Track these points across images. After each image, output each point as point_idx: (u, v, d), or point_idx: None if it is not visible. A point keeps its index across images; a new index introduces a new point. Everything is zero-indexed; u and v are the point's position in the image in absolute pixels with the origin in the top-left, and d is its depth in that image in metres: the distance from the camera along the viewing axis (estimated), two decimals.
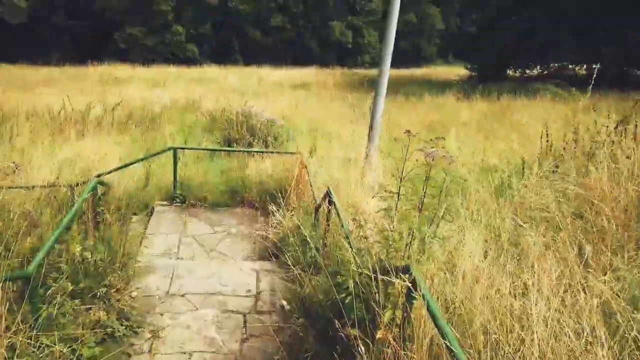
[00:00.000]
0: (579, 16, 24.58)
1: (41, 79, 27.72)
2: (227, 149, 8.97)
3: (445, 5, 55.85)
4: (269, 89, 26.09)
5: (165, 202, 7.25)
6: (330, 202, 4.78)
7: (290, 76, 33.07)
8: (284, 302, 4.57)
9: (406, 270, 2.62)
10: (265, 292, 4.92)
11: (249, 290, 4.97)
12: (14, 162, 5.62)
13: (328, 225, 4.91)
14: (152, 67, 35.65)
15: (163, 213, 7.02)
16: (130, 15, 43.06)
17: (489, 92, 22.04)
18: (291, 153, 7.23)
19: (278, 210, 6.29)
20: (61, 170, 8.50)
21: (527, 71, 31.63)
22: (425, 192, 3.07)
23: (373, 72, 42.11)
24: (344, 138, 11.51)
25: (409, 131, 3.05)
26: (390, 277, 2.71)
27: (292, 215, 6.03)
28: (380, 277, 2.75)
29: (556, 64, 30.16)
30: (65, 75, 29.71)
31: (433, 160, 2.86)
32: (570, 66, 30.25)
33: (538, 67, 31.33)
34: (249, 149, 8.29)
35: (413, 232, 2.97)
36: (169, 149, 7.09)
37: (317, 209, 5.52)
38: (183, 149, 7.85)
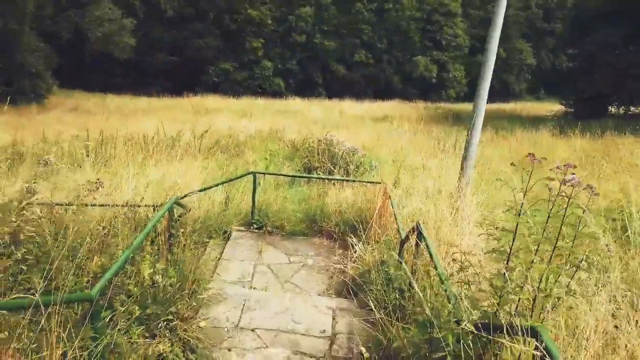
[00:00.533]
0: None
1: (141, 108, 29.67)
2: (307, 175, 8.64)
3: (536, 39, 53.59)
4: (350, 121, 25.96)
5: (242, 228, 6.99)
6: (420, 237, 4.19)
7: (372, 109, 32.88)
8: (363, 349, 3.99)
9: (533, 333, 1.98)
10: (342, 335, 4.37)
11: (324, 331, 4.44)
12: (98, 179, 5.58)
13: (416, 263, 4.31)
14: (241, 99, 37.12)
15: (240, 239, 6.74)
16: (223, 51, 45.50)
17: (589, 128, 20.35)
18: (374, 183, 6.72)
19: (358, 243, 5.77)
20: (147, 191, 8.62)
21: (632, 108, 29.04)
22: (545, 230, 2.43)
23: (457, 106, 40.96)
24: (429, 170, 10.85)
25: (532, 155, 2.44)
26: (506, 339, 2.08)
27: (374, 249, 5.48)
28: (493, 337, 2.13)
29: None
30: (162, 105, 31.60)
31: (574, 187, 2.22)
32: None
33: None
34: (329, 177, 7.88)
35: (539, 284, 2.32)
36: (249, 173, 6.87)
37: (402, 243, 4.93)
38: (263, 174, 7.62)
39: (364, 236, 5.87)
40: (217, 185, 6.96)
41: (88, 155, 12.15)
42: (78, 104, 29.86)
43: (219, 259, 6.17)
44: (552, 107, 35.07)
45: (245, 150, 15.38)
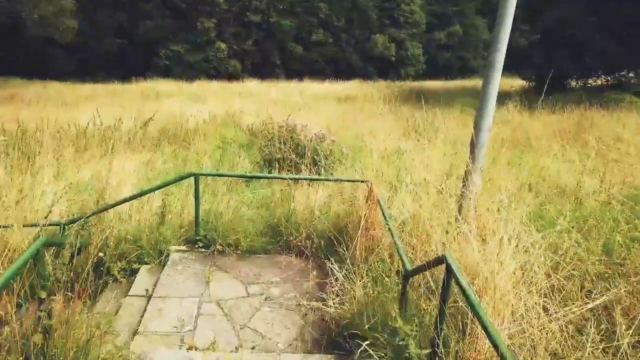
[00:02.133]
0: None
1: (84, 95, 26.86)
2: (266, 175, 6.88)
3: (492, 16, 52.89)
4: (311, 102, 24.22)
5: (184, 247, 5.25)
6: (449, 275, 2.62)
7: (333, 90, 31.16)
8: None
9: None
10: None
11: None
12: None
13: (442, 315, 2.76)
14: (194, 83, 34.55)
15: (180, 263, 5.01)
16: (173, 32, 42.48)
17: (553, 103, 19.48)
18: (356, 181, 5.10)
19: (340, 267, 4.19)
20: (62, 198, 6.72)
21: (590, 81, 28.60)
22: None
23: (419, 84, 39.69)
24: (408, 156, 9.36)
25: None
26: None
27: (363, 277, 3.90)
28: None
29: (623, 73, 27.03)
30: (108, 91, 28.82)
31: None
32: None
33: (603, 76, 28.28)
34: (296, 176, 6.11)
35: None
36: (189, 175, 5.10)
37: (407, 277, 3.37)
38: (207, 175, 5.84)
39: (347, 256, 4.28)
40: (147, 192, 5.16)
41: (2, 153, 10.02)
42: (14, 93, 26.75)
43: (150, 296, 4.45)
44: (512, 82, 34.41)
45: (197, 139, 13.48)
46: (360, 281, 3.89)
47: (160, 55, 42.09)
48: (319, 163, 7.71)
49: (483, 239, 4.14)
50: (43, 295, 2.78)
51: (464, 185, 4.76)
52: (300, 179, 5.71)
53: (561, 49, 24.51)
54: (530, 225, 3.96)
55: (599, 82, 28.85)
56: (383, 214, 4.34)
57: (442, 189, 4.82)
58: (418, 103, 23.48)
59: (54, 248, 4.57)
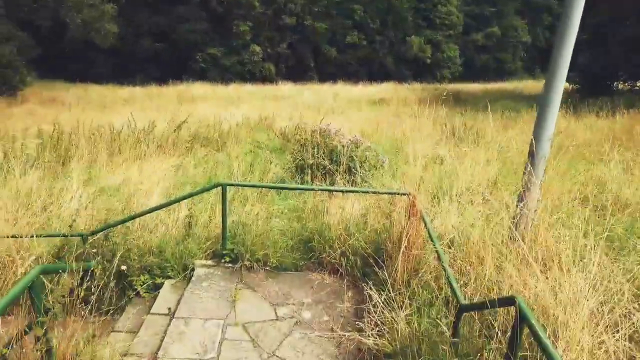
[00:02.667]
0: None
1: (123, 98, 27.29)
2: (297, 186, 6.45)
3: (532, 16, 51.18)
4: (345, 105, 23.78)
5: (210, 262, 4.89)
6: (522, 322, 2.14)
7: (366, 92, 30.62)
8: None
9: None
10: None
11: None
12: None
13: None
14: (229, 86, 34.67)
15: (205, 279, 4.65)
16: (210, 36, 42.87)
17: (601, 107, 18.43)
18: (395, 193, 4.63)
19: (380, 290, 3.74)
20: (91, 204, 6.52)
21: (639, 84, 27.08)
22: None
23: (455, 86, 38.50)
24: (449, 164, 8.80)
25: None
26: None
27: (407, 307, 3.44)
28: None
29: None
30: (146, 94, 29.20)
31: None
32: None
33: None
34: (329, 188, 5.64)
35: None
36: (216, 185, 4.75)
37: (460, 311, 2.89)
38: (235, 185, 5.45)
39: (387, 279, 3.82)
40: (168, 204, 4.84)
41: (37, 156, 10.02)
42: (56, 95, 27.42)
43: (173, 314, 4.11)
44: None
45: (230, 143, 13.27)
46: (402, 311, 3.43)
47: (197, 58, 42.54)
48: (354, 171, 7.26)
49: (545, 263, 3.62)
50: (39, 332, 2.45)
51: (520, 200, 4.23)
52: (334, 190, 5.26)
53: (611, 47, 23.17)
54: (596, 245, 3.41)
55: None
56: (428, 232, 3.86)
57: (491, 201, 4.31)
58: (456, 106, 22.72)
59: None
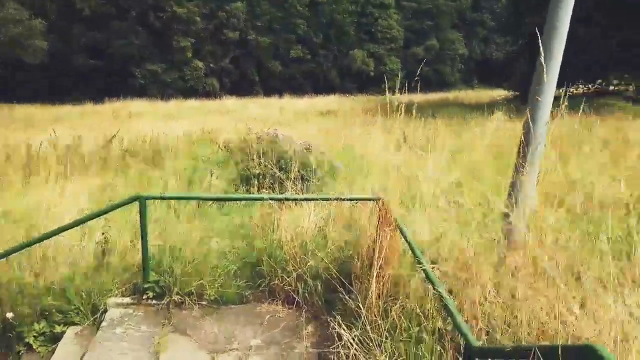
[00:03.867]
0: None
1: (52, 117, 25.09)
2: (241, 196, 5.40)
3: (467, 30, 52.85)
4: (292, 118, 22.94)
5: (127, 300, 3.77)
6: None
7: (313, 104, 29.96)
8: None
9: None
10: None
11: None
12: None
13: None
14: (170, 102, 32.99)
15: (120, 324, 3.54)
16: (149, 51, 40.99)
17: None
18: (362, 199, 3.72)
19: (350, 323, 2.81)
20: None
21: (572, 90, 28.15)
22: None
23: (400, 97, 38.45)
24: (409, 169, 8.07)
25: None
26: None
27: (389, 346, 2.52)
28: None
29: (601, 81, 26.61)
30: (79, 112, 27.11)
31: None
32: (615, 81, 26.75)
33: (583, 84, 27.86)
34: (281, 196, 4.51)
35: None
36: (132, 199, 3.65)
37: (473, 357, 2.00)
38: (157, 198, 4.26)
39: (358, 309, 2.90)
40: (73, 225, 3.69)
41: None
42: None
43: None
44: (491, 93, 33.87)
45: (168, 159, 12.02)
46: (382, 353, 2.50)
47: (136, 74, 40.48)
48: (307, 179, 6.34)
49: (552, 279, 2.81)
50: None
51: (510, 199, 3.46)
52: (287, 199, 4.22)
53: None
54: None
55: (580, 90, 28.41)
56: (409, 244, 2.98)
57: (465, 205, 3.52)
58: (404, 115, 22.44)
59: None
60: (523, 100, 25.31)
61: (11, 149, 10.97)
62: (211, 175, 7.10)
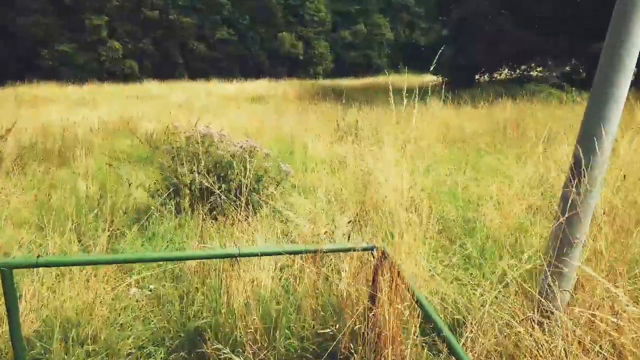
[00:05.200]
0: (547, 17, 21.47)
1: None
2: (157, 255, 3.67)
3: (393, 15, 52.83)
4: (221, 103, 21.20)
5: None
6: None
7: (243, 89, 28.18)
8: None
9: None
10: None
11: None
12: None
13: None
14: (84, 86, 29.64)
15: None
16: (59, 30, 36.69)
17: (473, 98, 18.59)
18: (346, 250, 2.57)
19: None
20: None
21: (496, 75, 28.78)
22: None
23: (332, 82, 37.76)
24: (359, 167, 7.02)
25: None
26: None
27: None
28: None
29: (524, 66, 27.34)
30: None
31: None
32: (539, 68, 27.55)
33: (506, 70, 28.51)
34: (233, 252, 2.79)
35: None
36: None
37: None
38: (31, 266, 2.69)
39: None
40: None
41: None
42: None
43: None
44: (421, 78, 33.88)
45: (79, 154, 10.12)
46: None
47: (44, 56, 36.13)
48: (253, 192, 5.09)
49: None
50: None
51: (554, 241, 2.47)
52: (240, 255, 2.84)
53: (476, 42, 23.83)
54: None
55: (504, 75, 29.06)
56: (436, 324, 1.88)
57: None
58: (337, 101, 21.41)
59: None
60: (453, 86, 25.30)
61: None
62: (129, 186, 5.60)
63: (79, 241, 4.30)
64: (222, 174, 5.23)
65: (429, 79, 31.91)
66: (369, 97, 21.76)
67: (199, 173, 5.41)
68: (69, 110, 17.97)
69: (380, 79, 37.25)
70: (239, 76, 36.06)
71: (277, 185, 5.50)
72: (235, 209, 5.06)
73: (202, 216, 5.11)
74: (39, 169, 8.79)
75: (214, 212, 5.23)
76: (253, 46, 43.86)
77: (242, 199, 5.18)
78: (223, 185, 5.14)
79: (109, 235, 4.30)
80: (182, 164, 5.57)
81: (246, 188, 5.24)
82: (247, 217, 4.92)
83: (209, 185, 5.16)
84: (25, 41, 35.77)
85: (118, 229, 4.96)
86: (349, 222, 3.69)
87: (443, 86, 25.95)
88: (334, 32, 48.84)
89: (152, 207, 5.12)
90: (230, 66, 41.68)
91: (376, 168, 6.71)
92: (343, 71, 46.29)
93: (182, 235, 4.61)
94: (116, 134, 13.14)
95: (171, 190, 5.46)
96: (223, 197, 4.99)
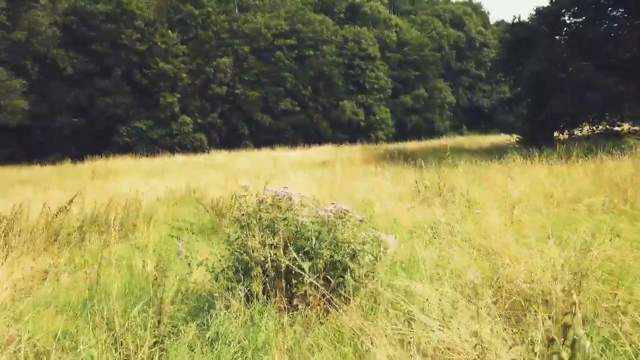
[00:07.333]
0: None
1: (23, 178, 22.26)
2: None
3: (452, 78, 52.17)
4: (287, 170, 20.41)
5: None
6: None
7: (307, 155, 27.68)
8: None
9: None
10: None
11: None
12: None
13: None
14: (155, 158, 30.44)
15: None
16: (135, 109, 38.87)
17: (559, 155, 16.36)
18: None
19: None
20: None
21: (576, 132, 26.32)
22: None
23: (395, 146, 36.57)
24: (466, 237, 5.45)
25: None
26: None
27: None
28: None
29: (611, 119, 24.77)
30: (55, 172, 24.34)
31: None
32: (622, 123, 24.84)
33: (587, 126, 25.98)
34: None
35: None
36: None
37: None
38: None
39: None
40: None
41: None
42: None
43: None
44: (489, 138, 32.04)
45: (140, 225, 9.30)
46: None
47: (121, 132, 38.13)
48: (345, 273, 3.71)
49: None
50: None
51: None
52: None
53: (553, 94, 21.94)
54: None
55: (585, 131, 26.58)
56: None
57: None
58: (407, 163, 19.99)
59: None
60: (529, 144, 23.24)
61: None
62: (189, 266, 4.38)
63: (115, 350, 3.04)
64: (305, 248, 3.89)
65: (499, 139, 30.03)
66: (439, 159, 20.02)
67: (274, 247, 4.11)
68: (140, 181, 17.80)
69: (445, 141, 35.71)
70: (303, 144, 35.99)
71: (376, 261, 4.07)
72: (322, 296, 3.69)
73: (280, 305, 3.77)
74: (97, 241, 7.95)
75: (295, 301, 3.85)
76: (315, 115, 44.25)
77: (332, 281, 3.80)
78: (306, 264, 3.78)
79: (155, 340, 3.02)
80: (254, 235, 4.30)
81: (340, 266, 3.86)
82: (339, 306, 3.52)
83: (288, 264, 3.84)
84: (104, 120, 38.07)
85: (172, 323, 3.68)
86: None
87: (519, 145, 23.94)
88: (394, 97, 48.62)
89: (216, 294, 3.84)
90: (294, 134, 42.01)
91: (497, 239, 5.14)
92: (404, 135, 45.41)
93: (256, 338, 3.24)
94: (182, 202, 12.44)
95: (240, 269, 4.17)
96: (308, 278, 3.64)
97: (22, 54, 36.37)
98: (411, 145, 34.13)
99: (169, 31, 40.55)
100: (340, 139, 40.58)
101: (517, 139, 25.39)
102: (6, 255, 7.28)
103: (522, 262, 3.91)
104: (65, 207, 8.71)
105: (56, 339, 4.33)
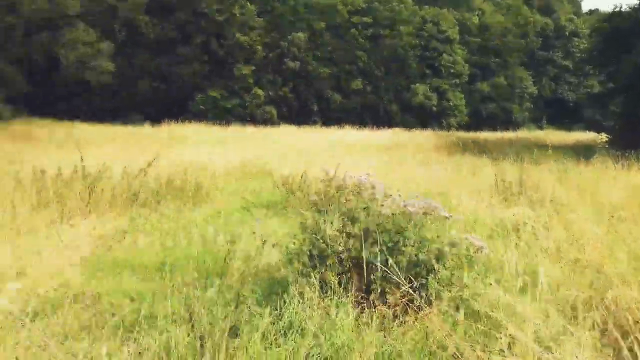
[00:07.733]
0: None
1: (109, 137, 23.50)
2: None
3: (536, 68, 48.82)
4: (355, 150, 20.11)
5: None
6: None
7: (375, 138, 27.11)
8: None
9: None
10: None
11: None
12: None
13: None
14: (228, 128, 31.17)
15: None
16: (210, 78, 39.93)
17: None
18: None
19: None
20: None
21: None
22: None
23: (468, 135, 34.89)
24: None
25: None
26: None
27: None
28: None
29: None
30: (134, 133, 25.61)
31: None
32: None
33: None
34: None
35: None
36: None
37: None
38: None
39: None
40: None
41: None
42: (32, 132, 23.73)
43: None
44: (573, 135, 29.72)
45: (211, 194, 9.46)
46: None
47: (196, 100, 39.42)
48: (432, 273, 3.42)
49: None
50: None
51: None
52: None
53: None
54: None
55: None
56: None
57: None
58: (481, 154, 18.95)
59: None
60: (620, 145, 21.20)
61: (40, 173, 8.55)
62: (263, 245, 4.28)
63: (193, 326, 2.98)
64: (388, 243, 3.64)
65: (585, 136, 27.78)
66: (519, 152, 18.71)
67: (352, 236, 3.90)
68: (212, 149, 18.20)
69: (523, 134, 33.65)
70: (370, 125, 35.38)
71: (462, 265, 3.74)
72: (402, 295, 3.44)
73: (354, 300, 3.57)
74: (172, 206, 8.17)
75: (372, 296, 3.62)
76: (386, 96, 43.29)
77: (414, 281, 3.54)
78: (390, 259, 3.53)
79: (231, 326, 2.93)
80: (331, 222, 4.10)
81: (424, 266, 3.58)
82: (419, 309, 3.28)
83: (369, 257, 3.61)
84: (182, 86, 39.46)
85: (245, 303, 3.59)
86: None
87: (608, 145, 21.92)
88: (470, 84, 46.41)
89: (288, 282, 3.70)
90: (363, 115, 41.43)
91: (594, 251, 4.60)
92: (478, 123, 43.35)
93: (331, 331, 3.06)
94: (251, 175, 12.57)
95: (315, 255, 4.00)
96: (391, 275, 3.40)
97: (111, 18, 38.37)
98: (485, 135, 32.49)
99: (248, 2, 40.95)
100: (409, 123, 39.48)
101: (607, 139, 23.29)
102: (89, 211, 7.68)
103: (635, 286, 3.42)
104: (144, 170, 8.98)
105: (131, 300, 4.44)
